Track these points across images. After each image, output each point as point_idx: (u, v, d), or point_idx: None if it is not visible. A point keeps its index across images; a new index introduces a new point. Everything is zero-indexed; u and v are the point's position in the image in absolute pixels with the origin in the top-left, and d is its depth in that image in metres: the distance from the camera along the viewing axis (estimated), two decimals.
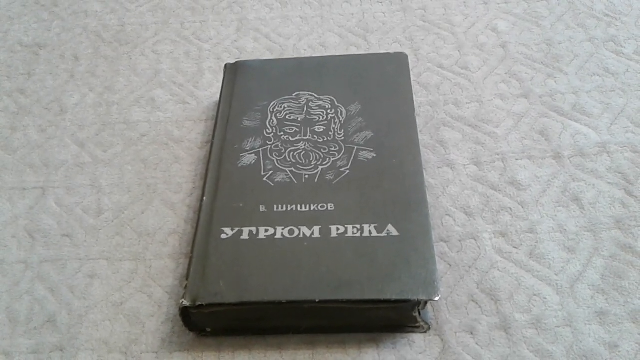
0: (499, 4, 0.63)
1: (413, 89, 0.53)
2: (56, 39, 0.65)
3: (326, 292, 0.38)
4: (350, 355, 0.40)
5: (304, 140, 0.48)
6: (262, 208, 0.43)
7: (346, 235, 0.41)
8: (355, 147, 0.47)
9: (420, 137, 0.51)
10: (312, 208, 0.43)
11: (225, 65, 0.55)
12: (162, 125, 0.55)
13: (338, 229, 0.42)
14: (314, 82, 0.52)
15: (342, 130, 0.48)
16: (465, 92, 0.55)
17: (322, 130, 0.48)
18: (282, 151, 0.47)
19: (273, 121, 0.49)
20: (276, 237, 0.41)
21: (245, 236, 0.42)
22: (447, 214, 0.46)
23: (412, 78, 0.56)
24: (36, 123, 0.56)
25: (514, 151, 0.50)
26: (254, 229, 0.42)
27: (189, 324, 0.40)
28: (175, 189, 0.50)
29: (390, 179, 0.44)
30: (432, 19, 0.62)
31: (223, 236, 0.42)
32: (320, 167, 0.46)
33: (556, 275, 0.42)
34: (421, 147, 0.49)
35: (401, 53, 0.54)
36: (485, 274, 0.43)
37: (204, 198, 0.44)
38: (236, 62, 0.55)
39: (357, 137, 0.48)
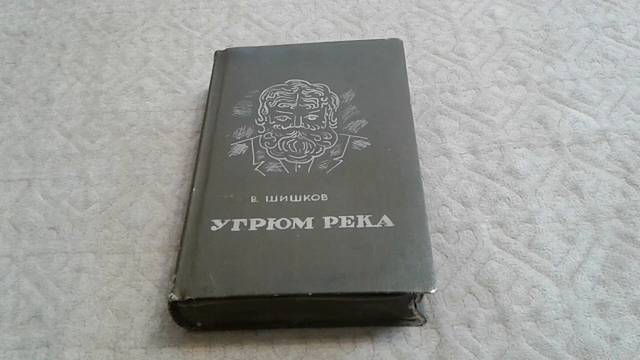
0: None
1: (408, 76, 0.52)
2: (42, 27, 0.63)
3: (319, 285, 0.37)
4: (344, 349, 0.39)
5: (296, 129, 0.46)
6: (253, 199, 0.42)
7: (340, 226, 0.40)
8: (349, 136, 0.46)
9: (415, 125, 0.50)
10: (304, 199, 0.42)
11: (216, 52, 0.53)
12: (151, 114, 0.54)
13: (331, 220, 0.41)
14: (306, 70, 0.51)
15: (336, 119, 0.47)
16: (461, 79, 0.54)
17: (315, 118, 0.47)
18: (274, 140, 0.46)
19: (264, 110, 0.48)
20: (268, 228, 0.40)
21: (236, 228, 0.41)
22: (443, 204, 0.45)
23: (408, 65, 0.55)
24: (22, 113, 0.55)
25: (511, 139, 0.49)
26: (245, 220, 0.41)
27: (178, 319, 0.39)
28: (165, 180, 0.49)
29: (385, 168, 0.43)
30: (428, 5, 0.61)
31: (213, 228, 0.41)
32: (313, 157, 0.44)
33: (555, 266, 0.41)
34: (417, 136, 0.48)
35: (396, 39, 0.53)
36: (482, 265, 0.42)
37: (194, 189, 0.43)
38: (227, 49, 0.53)
39: (351, 125, 0.46)
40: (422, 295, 0.38)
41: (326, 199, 0.42)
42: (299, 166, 0.44)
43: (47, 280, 0.43)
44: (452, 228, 0.44)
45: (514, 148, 0.48)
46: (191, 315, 0.39)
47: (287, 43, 0.59)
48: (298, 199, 0.42)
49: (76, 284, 0.43)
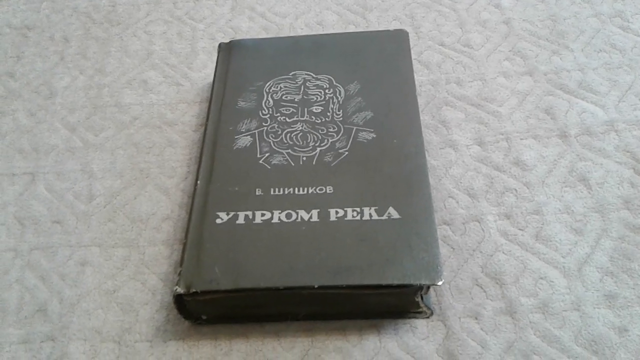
0: None
1: (414, 67, 0.51)
2: (45, 20, 0.63)
3: (325, 277, 0.37)
4: (350, 341, 0.38)
5: (301, 121, 0.46)
6: (258, 191, 0.42)
7: (346, 218, 0.40)
8: (355, 128, 0.45)
9: (421, 117, 0.49)
10: (310, 191, 0.42)
11: (219, 44, 0.53)
12: (154, 107, 0.53)
13: (337, 213, 0.40)
14: (311, 61, 0.50)
15: (341, 111, 0.46)
16: (467, 70, 0.53)
17: (319, 110, 0.47)
18: (279, 133, 0.45)
19: (269, 102, 0.48)
20: (273, 221, 0.40)
21: (241, 221, 0.40)
22: (450, 196, 0.45)
23: (413, 56, 0.54)
24: (25, 107, 0.55)
25: (518, 130, 0.48)
26: (250, 213, 0.41)
27: (183, 312, 0.39)
28: (169, 173, 0.48)
29: (390, 160, 0.43)
30: None
31: (218, 221, 0.40)
32: (319, 149, 0.44)
33: (563, 257, 0.41)
34: (422, 128, 0.47)
35: (401, 30, 0.52)
36: (489, 257, 0.41)
37: (198, 182, 0.43)
38: (230, 41, 0.53)
39: (356, 117, 0.46)
40: (428, 288, 0.38)
41: (332, 191, 0.41)
42: (304, 158, 0.44)
43: (51, 274, 0.43)
44: (459, 220, 0.44)
45: (521, 139, 0.48)
46: (196, 308, 0.39)
47: (291, 35, 0.58)
48: (303, 191, 0.42)
49: (81, 278, 0.43)
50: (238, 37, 0.58)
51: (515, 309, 0.39)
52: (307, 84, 0.49)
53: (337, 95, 0.48)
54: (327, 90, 0.48)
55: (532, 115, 0.49)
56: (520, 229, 0.43)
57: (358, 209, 0.40)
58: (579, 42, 0.55)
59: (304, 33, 0.58)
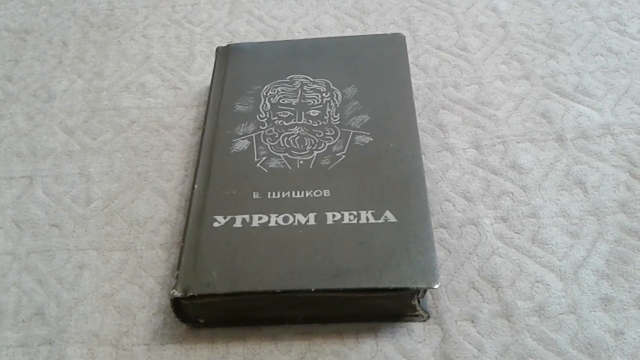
0: None
1: (411, 71, 0.51)
2: (44, 24, 0.63)
3: (322, 281, 0.37)
4: (347, 345, 0.38)
5: (298, 124, 0.46)
6: (255, 195, 0.42)
7: (342, 222, 0.40)
8: (352, 132, 0.45)
9: (418, 120, 0.49)
10: (307, 194, 0.42)
11: (217, 48, 0.53)
12: (152, 111, 0.53)
13: (334, 216, 0.40)
14: (308, 65, 0.51)
15: (338, 114, 0.47)
16: (464, 73, 0.54)
17: (317, 114, 0.47)
18: (276, 136, 0.45)
19: (266, 106, 0.48)
20: (270, 224, 0.40)
21: (238, 224, 0.40)
22: (446, 199, 0.45)
23: (410, 60, 0.54)
24: (23, 110, 0.55)
25: (515, 134, 0.49)
26: (247, 216, 0.41)
27: (181, 315, 0.39)
28: (167, 177, 0.48)
29: (387, 163, 0.43)
30: None
31: (215, 224, 0.41)
32: (316, 152, 0.44)
33: (559, 260, 0.41)
34: (419, 131, 0.47)
35: (398, 34, 0.52)
36: (486, 261, 0.42)
37: (196, 185, 0.43)
38: (228, 45, 0.53)
39: (353, 121, 0.46)
40: (425, 291, 0.38)
41: (329, 195, 0.42)
42: (301, 162, 0.44)
43: (49, 278, 0.43)
44: (456, 223, 0.44)
45: (518, 143, 0.48)
46: (194, 311, 0.39)
47: (289, 39, 0.58)
48: (300, 194, 0.42)
49: (78, 281, 0.43)
50: (236, 41, 0.59)
51: (511, 312, 0.39)
52: (304, 88, 0.49)
53: (334, 98, 0.48)
54: (324, 94, 0.48)
55: (529, 118, 0.50)
56: (516, 232, 0.43)
57: (355, 213, 0.40)
58: (576, 46, 0.55)
59: (301, 37, 0.58)
